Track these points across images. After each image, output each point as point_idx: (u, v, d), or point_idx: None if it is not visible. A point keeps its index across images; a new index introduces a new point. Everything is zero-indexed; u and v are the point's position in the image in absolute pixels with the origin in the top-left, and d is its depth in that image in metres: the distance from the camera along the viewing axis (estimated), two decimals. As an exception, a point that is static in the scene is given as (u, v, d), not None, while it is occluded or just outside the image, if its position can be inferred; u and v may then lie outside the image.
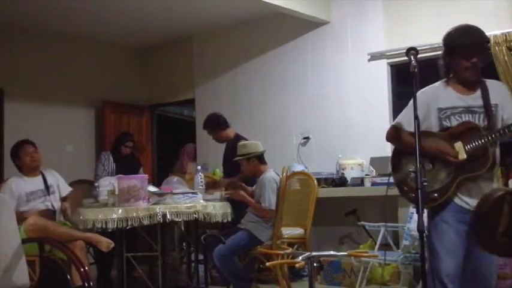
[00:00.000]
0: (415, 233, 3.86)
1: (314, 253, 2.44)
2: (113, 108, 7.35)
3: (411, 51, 2.47)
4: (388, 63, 5.60)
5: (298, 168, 5.54)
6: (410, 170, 2.36)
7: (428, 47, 5.11)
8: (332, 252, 2.93)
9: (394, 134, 2.76)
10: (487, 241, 2.48)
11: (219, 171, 6.12)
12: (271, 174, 4.47)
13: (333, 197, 5.20)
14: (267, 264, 3.12)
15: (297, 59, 6.27)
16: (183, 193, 4.43)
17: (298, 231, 4.73)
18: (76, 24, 6.59)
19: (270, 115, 6.46)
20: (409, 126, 2.64)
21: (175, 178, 4.89)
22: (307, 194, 4.76)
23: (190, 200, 4.37)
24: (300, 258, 2.48)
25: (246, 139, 5.07)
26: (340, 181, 5.36)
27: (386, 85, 5.61)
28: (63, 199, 4.49)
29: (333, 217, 5.46)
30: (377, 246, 4.50)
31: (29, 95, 6.56)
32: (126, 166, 5.52)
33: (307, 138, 6.13)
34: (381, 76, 5.62)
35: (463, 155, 2.54)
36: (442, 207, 2.60)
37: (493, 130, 2.53)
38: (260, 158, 4.53)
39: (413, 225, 3.92)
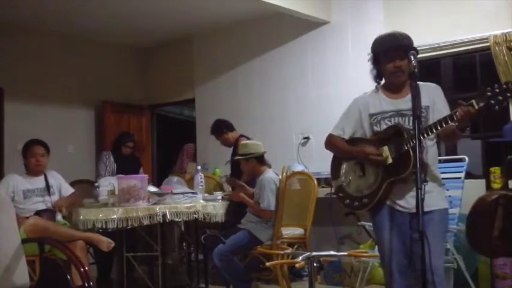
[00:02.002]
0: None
1: (314, 253, 2.45)
2: (113, 108, 7.36)
3: (411, 51, 2.50)
4: (388, 63, 5.59)
5: (298, 168, 5.54)
6: (414, 171, 2.36)
7: (428, 47, 5.12)
8: (332, 252, 2.93)
9: (332, 143, 2.85)
10: (481, 244, 2.48)
11: (219, 171, 6.13)
12: (270, 175, 4.47)
13: (333, 197, 5.19)
14: (267, 264, 3.12)
15: (297, 59, 6.27)
16: (183, 193, 4.43)
17: (298, 231, 4.73)
18: (76, 24, 6.59)
19: (270, 115, 6.46)
20: (344, 133, 2.79)
21: (175, 178, 4.89)
22: (307, 194, 4.76)
23: (190, 200, 4.37)
24: (300, 258, 2.48)
25: (249, 139, 5.07)
26: (340, 181, 5.35)
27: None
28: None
29: (333, 217, 5.45)
30: (377, 247, 4.49)
31: (29, 95, 6.57)
32: (126, 166, 5.53)
33: (307, 138, 6.13)
34: (380, 76, 5.61)
35: (389, 159, 2.58)
36: (379, 211, 2.68)
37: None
38: (259, 159, 4.53)
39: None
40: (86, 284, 3.01)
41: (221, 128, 5.33)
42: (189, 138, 7.28)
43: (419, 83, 2.71)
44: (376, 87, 2.81)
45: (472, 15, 5.01)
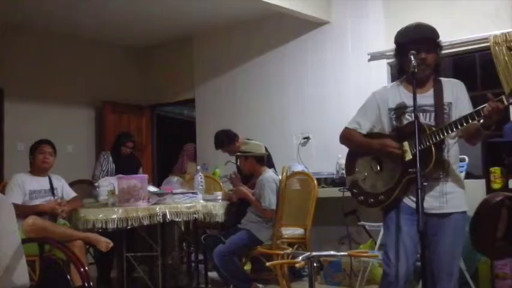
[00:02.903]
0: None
1: (314, 253, 2.44)
2: (113, 108, 7.36)
3: (411, 51, 2.45)
4: (388, 63, 5.60)
5: (298, 168, 5.54)
6: (411, 170, 2.33)
7: (428, 47, 5.11)
8: (332, 252, 2.92)
9: (348, 136, 2.74)
10: (485, 245, 2.47)
11: (218, 171, 6.13)
12: (270, 175, 4.48)
13: (333, 197, 5.20)
14: (267, 264, 3.11)
15: (296, 59, 6.27)
16: (183, 193, 4.43)
17: (298, 231, 4.73)
18: (76, 24, 6.59)
19: (270, 115, 6.46)
20: (361, 127, 2.67)
21: (175, 178, 4.89)
22: (307, 194, 4.76)
23: (190, 200, 4.37)
24: (300, 258, 2.47)
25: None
26: (340, 181, 5.35)
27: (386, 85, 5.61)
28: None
29: (333, 217, 5.46)
30: (377, 246, 4.49)
31: (29, 95, 6.56)
32: (126, 166, 5.53)
33: (307, 138, 6.13)
34: (380, 76, 5.62)
35: (409, 156, 2.48)
36: (394, 209, 2.56)
37: (435, 129, 2.45)
38: (258, 159, 4.53)
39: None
40: (86, 284, 3.01)
41: (231, 138, 5.27)
42: (189, 138, 7.27)
43: (442, 78, 2.65)
44: (399, 80, 2.70)
45: (472, 15, 5.01)
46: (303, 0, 5.71)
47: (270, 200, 4.33)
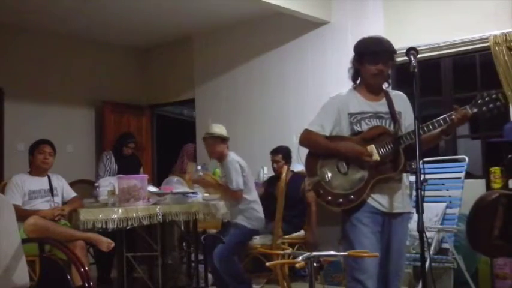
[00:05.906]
0: (415, 233, 3.86)
1: (314, 253, 2.44)
2: (113, 108, 7.36)
3: (411, 51, 2.53)
4: (388, 63, 5.59)
5: (298, 168, 5.54)
6: (414, 170, 2.35)
7: (428, 47, 5.12)
8: (332, 252, 2.92)
9: (311, 139, 2.77)
10: (481, 244, 2.47)
11: (218, 171, 6.12)
12: (233, 157, 4.43)
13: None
14: (267, 264, 3.11)
15: (296, 59, 6.27)
16: (183, 193, 4.43)
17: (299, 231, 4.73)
18: (76, 24, 6.59)
19: (270, 115, 6.45)
20: (324, 130, 2.73)
21: (175, 178, 4.89)
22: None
23: (190, 200, 4.37)
24: (300, 258, 2.47)
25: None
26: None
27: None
28: (64, 203, 4.47)
29: (333, 217, 5.44)
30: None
31: (29, 95, 6.57)
32: (126, 166, 5.53)
33: (307, 138, 6.11)
34: (380, 76, 5.61)
35: (376, 157, 2.59)
36: (357, 209, 2.64)
37: (402, 134, 2.60)
38: (223, 141, 4.47)
39: (412, 225, 3.91)
40: (86, 284, 3.01)
41: None
42: (189, 138, 7.27)
43: (388, 90, 2.83)
44: (354, 87, 2.83)
45: (472, 15, 5.01)
46: (303, 0, 5.71)
47: (237, 180, 4.29)
